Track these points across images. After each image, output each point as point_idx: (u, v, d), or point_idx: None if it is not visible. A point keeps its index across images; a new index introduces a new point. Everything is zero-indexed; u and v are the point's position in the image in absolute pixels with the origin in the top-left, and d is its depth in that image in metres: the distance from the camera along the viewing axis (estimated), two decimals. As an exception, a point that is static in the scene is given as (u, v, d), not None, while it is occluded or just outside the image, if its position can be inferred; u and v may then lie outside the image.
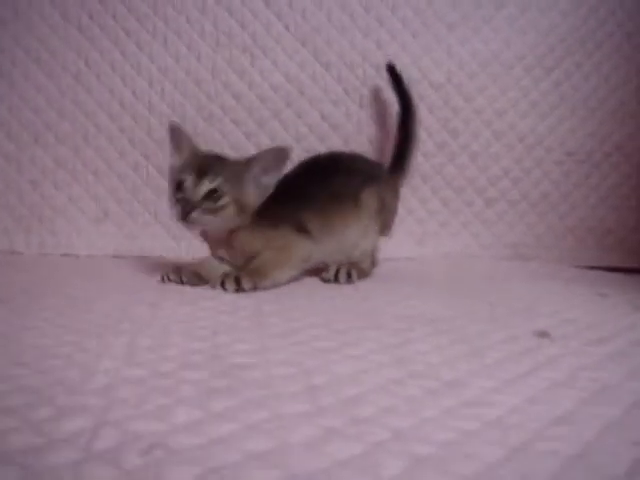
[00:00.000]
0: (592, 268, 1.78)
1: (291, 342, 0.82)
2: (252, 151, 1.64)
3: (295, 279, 1.29)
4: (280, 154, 1.23)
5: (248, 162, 1.23)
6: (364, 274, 1.39)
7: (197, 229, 1.24)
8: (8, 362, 0.69)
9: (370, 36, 1.70)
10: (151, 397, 0.59)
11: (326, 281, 1.34)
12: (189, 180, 1.18)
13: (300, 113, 1.69)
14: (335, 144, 1.68)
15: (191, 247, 1.61)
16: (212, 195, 1.18)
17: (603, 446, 0.54)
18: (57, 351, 0.74)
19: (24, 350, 0.74)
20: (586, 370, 0.74)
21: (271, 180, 1.24)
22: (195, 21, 1.64)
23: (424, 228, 1.77)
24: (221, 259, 1.30)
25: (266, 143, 1.66)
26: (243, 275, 1.19)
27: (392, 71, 1.65)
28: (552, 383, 0.69)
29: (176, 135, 1.26)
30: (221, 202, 1.19)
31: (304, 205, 1.30)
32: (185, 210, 1.16)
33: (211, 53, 1.65)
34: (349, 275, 1.34)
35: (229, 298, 1.13)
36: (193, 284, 1.23)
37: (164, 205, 1.58)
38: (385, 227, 1.45)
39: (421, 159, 1.73)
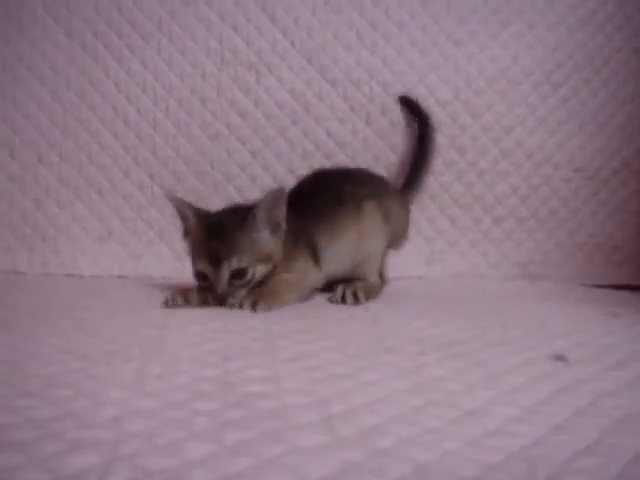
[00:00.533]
0: (600, 286, 1.76)
1: (304, 367, 0.80)
2: (258, 170, 1.64)
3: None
4: (278, 196, 1.23)
5: (252, 218, 1.23)
6: (373, 293, 1.37)
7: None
8: (14, 392, 0.67)
9: (376, 53, 1.68)
10: (163, 430, 0.57)
11: (333, 302, 1.32)
12: (209, 272, 1.21)
13: (306, 131, 1.67)
14: (341, 161, 1.66)
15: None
16: (238, 273, 1.21)
17: (633, 478, 0.52)
18: (65, 379, 0.72)
19: (30, 379, 0.72)
20: (608, 397, 0.72)
21: (279, 219, 1.25)
22: (200, 39, 1.63)
23: (432, 247, 1.75)
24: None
25: (272, 161, 1.65)
26: (260, 299, 1.19)
27: (407, 101, 1.70)
28: (574, 411, 0.67)
29: (176, 204, 1.28)
30: (248, 277, 1.22)
31: (315, 221, 1.34)
32: (219, 301, 1.20)
33: (216, 71, 1.64)
34: (355, 296, 1.31)
35: (237, 317, 1.11)
36: (201, 305, 1.22)
37: (169, 225, 1.58)
38: (395, 240, 1.49)
39: (429, 177, 1.72)
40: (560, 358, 0.87)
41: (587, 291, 1.68)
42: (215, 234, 1.22)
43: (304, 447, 0.55)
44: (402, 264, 1.67)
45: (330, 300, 1.34)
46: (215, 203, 1.57)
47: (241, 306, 1.18)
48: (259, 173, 1.65)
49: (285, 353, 0.87)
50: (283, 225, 1.25)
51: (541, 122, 1.78)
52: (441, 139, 1.73)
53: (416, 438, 0.58)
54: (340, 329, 1.08)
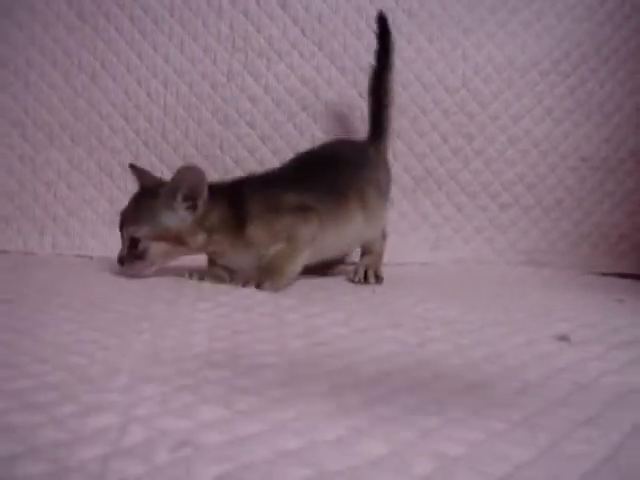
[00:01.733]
0: (605, 274, 1.77)
1: (313, 342, 0.81)
2: (268, 154, 1.66)
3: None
4: (195, 174, 1.20)
5: (159, 191, 1.22)
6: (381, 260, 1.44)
7: (140, 275, 1.24)
8: (30, 359, 0.68)
9: (387, 41, 1.69)
10: (176, 395, 0.59)
11: (355, 282, 1.36)
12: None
13: (315, 117, 1.69)
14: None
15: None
16: (133, 243, 1.22)
17: (632, 449, 0.54)
18: (78, 348, 0.73)
19: (44, 347, 0.74)
20: (610, 374, 0.74)
21: (197, 198, 1.21)
22: (211, 24, 1.64)
23: (438, 233, 1.76)
24: (225, 269, 1.29)
25: (281, 146, 1.66)
26: (263, 280, 1.19)
27: (382, 22, 1.57)
28: (577, 386, 0.68)
29: (136, 174, 1.33)
30: (139, 250, 1.21)
31: (308, 191, 1.27)
32: (119, 263, 1.24)
33: (227, 56, 1.65)
34: (376, 275, 1.37)
35: (246, 292, 1.13)
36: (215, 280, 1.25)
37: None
38: (387, 199, 1.50)
39: (436, 164, 1.73)
40: (563, 338, 0.89)
41: (592, 278, 1.68)
42: (129, 201, 1.27)
43: (313, 412, 0.57)
44: (407, 250, 1.69)
45: (351, 280, 1.37)
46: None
47: (244, 286, 1.18)
48: (268, 158, 1.66)
49: (294, 328, 0.89)
50: (200, 206, 1.20)
51: (548, 111, 1.79)
52: (448, 127, 1.74)
53: (422, 407, 0.59)
54: (347, 304, 1.11)
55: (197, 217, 1.21)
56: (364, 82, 1.66)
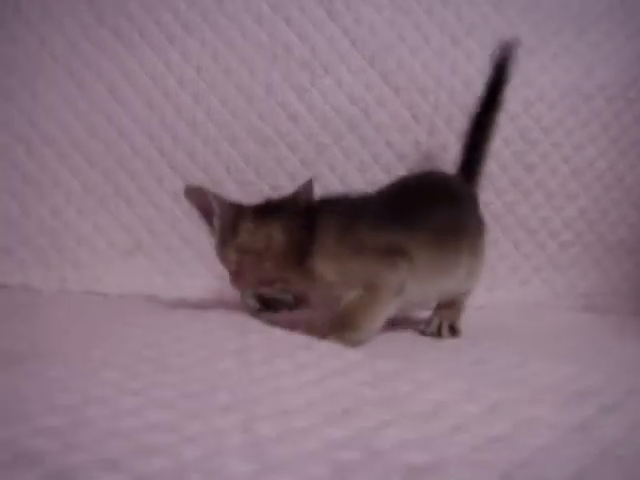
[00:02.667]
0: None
1: (451, 426, 0.63)
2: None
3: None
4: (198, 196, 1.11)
5: None
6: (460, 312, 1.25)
7: None
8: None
9: (444, 59, 1.52)
10: None
11: (427, 334, 1.18)
12: None
13: (364, 141, 1.50)
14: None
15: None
16: None
17: None
18: (148, 441, 0.55)
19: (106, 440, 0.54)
20: None
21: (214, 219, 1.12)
22: (249, 31, 1.44)
23: (494, 273, 1.57)
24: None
25: (324, 172, 1.47)
26: (332, 331, 1.00)
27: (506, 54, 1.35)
28: None
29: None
30: None
31: (405, 229, 1.07)
32: None
33: (266, 67, 1.45)
34: (452, 329, 1.19)
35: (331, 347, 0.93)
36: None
37: (207, 241, 1.40)
38: None
39: (492, 197, 1.55)
40: None
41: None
42: None
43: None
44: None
45: (423, 332, 1.19)
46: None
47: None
48: (310, 186, 1.46)
49: (411, 404, 0.70)
50: (216, 223, 1.11)
51: (614, 141, 1.62)
52: (509, 156, 1.56)
53: None
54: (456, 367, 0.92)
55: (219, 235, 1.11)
56: (420, 103, 1.48)
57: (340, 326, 1.01)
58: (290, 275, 1.07)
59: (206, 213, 1.11)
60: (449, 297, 1.21)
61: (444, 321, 1.20)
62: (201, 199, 1.10)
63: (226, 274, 1.15)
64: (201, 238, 1.41)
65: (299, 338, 0.97)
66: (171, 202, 1.43)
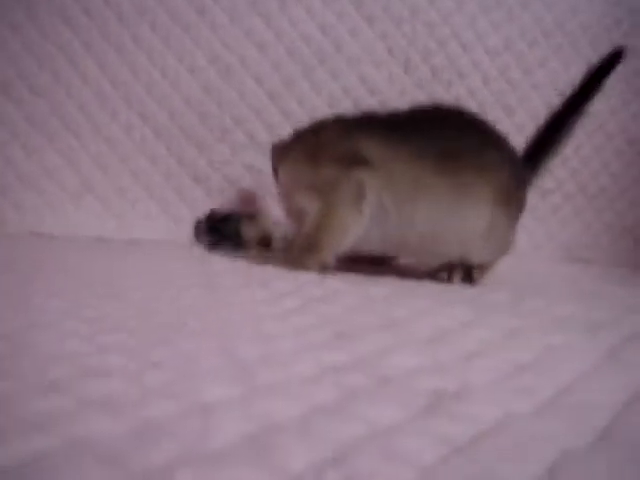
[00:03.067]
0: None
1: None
2: (276, 116, 1.35)
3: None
4: None
5: None
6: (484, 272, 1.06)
7: None
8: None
9: (422, -13, 1.41)
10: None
11: (436, 277, 1.02)
12: None
13: (335, 73, 1.38)
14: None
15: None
16: None
17: None
18: (100, 364, 0.45)
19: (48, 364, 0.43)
20: None
21: None
22: (211, -47, 1.31)
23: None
24: None
25: (292, 105, 1.35)
26: (298, 262, 0.92)
27: (616, 58, 1.17)
28: None
29: None
30: None
31: (382, 139, 0.96)
32: None
33: (230, -8, 1.32)
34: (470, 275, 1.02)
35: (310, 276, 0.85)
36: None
37: (161, 178, 1.28)
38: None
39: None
40: None
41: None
42: None
43: None
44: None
45: (434, 277, 1.03)
46: (220, 151, 1.29)
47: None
48: (276, 120, 1.34)
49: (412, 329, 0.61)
50: None
51: (596, 86, 1.54)
52: (488, 96, 1.47)
53: None
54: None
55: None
56: (395, 35, 1.38)
57: (300, 250, 0.93)
58: None
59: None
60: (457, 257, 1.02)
61: (457, 267, 1.02)
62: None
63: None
64: (154, 176, 1.29)
65: (271, 269, 0.87)
66: (124, 136, 1.30)
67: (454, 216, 0.95)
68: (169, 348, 0.50)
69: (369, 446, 0.35)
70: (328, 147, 0.96)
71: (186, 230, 1.29)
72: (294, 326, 0.59)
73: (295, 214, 0.99)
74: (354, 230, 0.93)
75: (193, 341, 0.52)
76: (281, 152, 1.05)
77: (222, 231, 1.02)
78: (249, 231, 1.02)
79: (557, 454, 0.35)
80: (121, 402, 0.38)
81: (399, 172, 0.94)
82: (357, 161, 0.93)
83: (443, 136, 0.98)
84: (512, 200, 1.01)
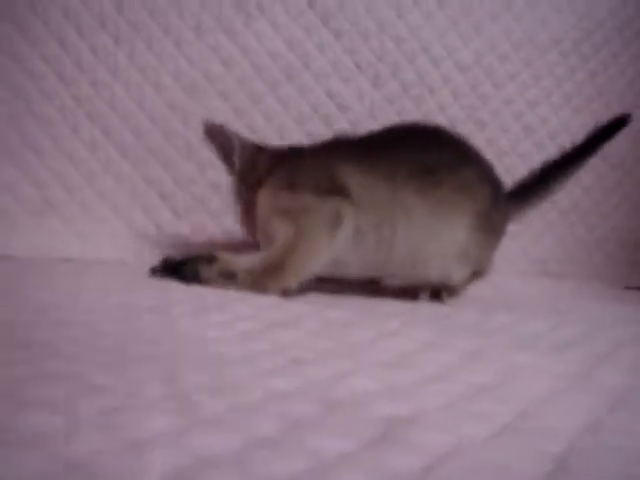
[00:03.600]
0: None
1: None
2: (242, 132, 1.32)
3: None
4: (218, 133, 1.11)
5: None
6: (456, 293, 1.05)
7: None
8: None
9: (390, 2, 1.39)
10: None
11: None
12: None
13: (302, 89, 1.36)
14: (343, 128, 1.36)
15: (163, 253, 1.26)
16: None
17: None
18: (38, 393, 0.41)
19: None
20: None
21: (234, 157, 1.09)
22: (175, -30, 1.30)
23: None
24: None
25: (259, 122, 1.33)
26: (257, 281, 0.90)
27: (619, 124, 1.18)
28: None
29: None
30: None
31: (342, 159, 0.97)
32: None
33: (196, 9, 1.30)
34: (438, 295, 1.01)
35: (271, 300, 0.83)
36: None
37: (127, 196, 1.25)
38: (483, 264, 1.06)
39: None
40: None
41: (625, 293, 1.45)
42: None
43: None
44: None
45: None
46: (186, 169, 1.26)
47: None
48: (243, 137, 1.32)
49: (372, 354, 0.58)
50: (236, 162, 1.07)
51: (567, 98, 1.54)
52: (458, 111, 1.45)
53: None
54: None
55: (238, 172, 1.08)
56: (363, 50, 1.37)
57: (264, 274, 0.90)
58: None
59: (224, 152, 1.10)
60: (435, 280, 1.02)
61: (424, 287, 1.02)
62: (221, 137, 1.08)
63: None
64: (119, 193, 1.26)
65: (232, 293, 0.85)
66: (88, 154, 1.27)
67: (434, 236, 0.95)
68: (112, 374, 0.47)
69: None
70: (306, 174, 0.96)
71: (153, 249, 1.26)
72: (248, 352, 0.56)
73: (268, 238, 0.97)
74: (323, 257, 0.92)
75: (139, 367, 0.50)
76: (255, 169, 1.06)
77: (181, 275, 0.99)
78: (208, 272, 0.98)
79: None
80: (49, 436, 0.35)
81: (377, 196, 0.93)
82: (335, 189, 0.93)
83: (419, 155, 0.97)
84: (491, 220, 1.00)
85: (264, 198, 0.99)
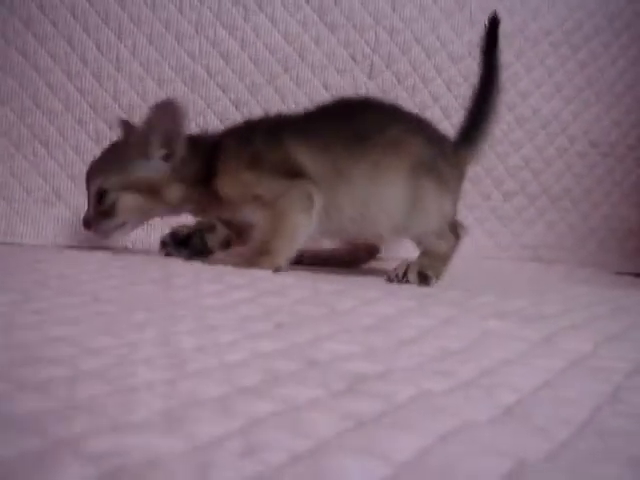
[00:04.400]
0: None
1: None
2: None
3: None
4: (167, 111, 1.03)
5: (130, 140, 1.07)
6: (444, 265, 1.09)
7: (109, 237, 1.11)
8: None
9: (384, -6, 1.44)
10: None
11: (392, 280, 1.03)
12: None
13: (299, 80, 1.41)
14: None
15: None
16: (100, 196, 1.05)
17: None
18: (43, 353, 0.46)
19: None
20: None
21: (172, 141, 1.04)
22: (177, -34, 1.34)
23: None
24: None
25: (258, 113, 1.37)
26: (254, 262, 0.96)
27: (493, 27, 1.22)
28: None
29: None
30: (108, 201, 1.04)
31: (288, 137, 1.04)
32: (85, 228, 1.08)
33: (196, 2, 1.35)
34: (423, 275, 1.03)
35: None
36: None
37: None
38: (451, 197, 1.11)
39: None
40: None
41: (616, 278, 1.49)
42: (101, 154, 1.12)
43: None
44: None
45: (389, 278, 1.04)
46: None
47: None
48: (242, 127, 1.37)
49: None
50: (178, 152, 1.04)
51: (558, 88, 1.58)
52: (452, 101, 1.50)
53: None
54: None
55: (175, 165, 1.05)
56: (358, 42, 1.41)
57: (256, 254, 0.98)
58: (202, 200, 1.06)
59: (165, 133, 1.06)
60: (405, 237, 1.12)
61: (412, 265, 1.05)
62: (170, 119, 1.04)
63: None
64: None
65: (226, 267, 0.90)
66: (93, 144, 1.32)
67: (375, 194, 1.03)
68: (111, 338, 0.52)
69: (276, 420, 0.37)
70: (264, 158, 1.02)
71: (156, 236, 1.31)
72: (238, 317, 0.61)
73: (238, 223, 1.06)
74: (303, 235, 1.02)
75: (136, 332, 0.54)
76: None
77: (190, 247, 1.08)
78: (213, 239, 1.07)
79: (459, 424, 0.37)
80: (53, 384, 0.40)
81: (323, 168, 1.02)
82: (297, 172, 1.01)
83: (350, 123, 1.05)
84: (435, 169, 1.05)
85: (230, 187, 1.03)
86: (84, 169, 1.29)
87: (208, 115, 1.35)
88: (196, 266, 0.93)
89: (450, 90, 1.49)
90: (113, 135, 1.32)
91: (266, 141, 1.04)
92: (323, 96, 1.41)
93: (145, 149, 1.04)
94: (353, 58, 1.43)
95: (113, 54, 1.32)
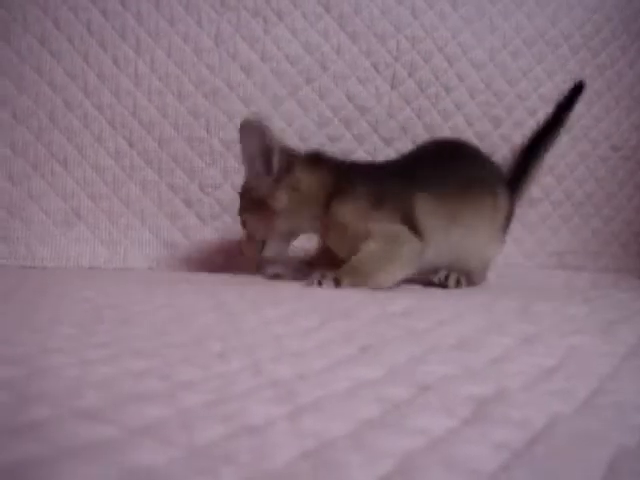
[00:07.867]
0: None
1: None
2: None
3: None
4: (247, 130, 1.06)
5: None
6: (472, 283, 1.18)
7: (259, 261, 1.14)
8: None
9: (404, 3, 1.42)
10: None
11: (434, 281, 1.14)
12: None
13: (322, 92, 1.38)
14: (363, 129, 1.39)
15: (190, 259, 1.28)
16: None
17: None
18: (130, 389, 0.42)
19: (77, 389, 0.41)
20: None
21: (266, 155, 1.06)
22: (191, -22, 1.31)
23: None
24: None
25: (281, 126, 1.35)
26: (342, 276, 0.96)
27: (575, 92, 1.35)
28: None
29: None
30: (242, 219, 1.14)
31: (418, 186, 1.07)
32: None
33: (215, 16, 1.32)
34: (458, 282, 1.13)
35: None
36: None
37: (153, 204, 1.27)
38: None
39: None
40: None
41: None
42: None
43: None
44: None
45: (431, 280, 1.13)
46: (211, 175, 1.28)
47: (320, 285, 0.94)
48: (265, 141, 1.34)
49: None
50: (276, 162, 1.06)
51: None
52: (474, 108, 1.47)
53: None
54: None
55: (277, 176, 1.07)
56: (379, 50, 1.39)
57: (353, 271, 0.97)
58: (314, 222, 1.09)
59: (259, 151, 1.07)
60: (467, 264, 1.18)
61: (452, 272, 1.14)
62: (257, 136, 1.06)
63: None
64: (144, 200, 1.28)
65: (284, 289, 0.87)
66: (113, 162, 1.29)
67: (473, 243, 1.13)
68: (199, 370, 0.48)
69: (430, 456, 0.34)
70: (388, 198, 1.05)
71: (179, 256, 1.28)
72: (316, 343, 0.58)
73: (343, 244, 1.05)
74: (397, 279, 1.02)
75: (222, 363, 0.51)
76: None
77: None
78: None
79: (613, 450, 0.35)
80: (166, 427, 0.37)
81: (438, 221, 1.08)
82: (412, 219, 1.04)
83: (457, 171, 1.12)
84: (510, 218, 1.22)
85: (347, 212, 1.04)
86: (104, 188, 1.27)
87: (230, 129, 1.31)
88: (242, 290, 0.90)
89: (473, 98, 1.47)
90: (134, 152, 1.29)
91: (396, 186, 1.07)
92: (346, 107, 1.39)
93: (251, 166, 1.08)
94: (375, 67, 1.40)
95: (131, 69, 1.29)
